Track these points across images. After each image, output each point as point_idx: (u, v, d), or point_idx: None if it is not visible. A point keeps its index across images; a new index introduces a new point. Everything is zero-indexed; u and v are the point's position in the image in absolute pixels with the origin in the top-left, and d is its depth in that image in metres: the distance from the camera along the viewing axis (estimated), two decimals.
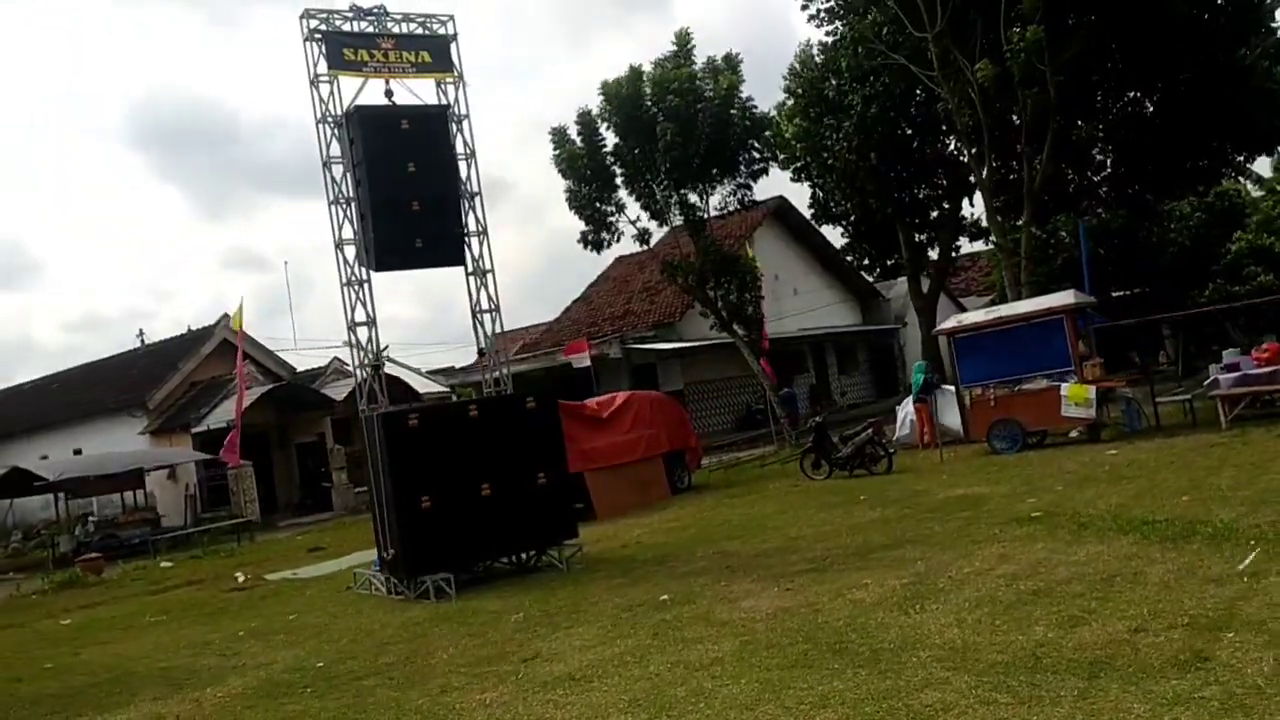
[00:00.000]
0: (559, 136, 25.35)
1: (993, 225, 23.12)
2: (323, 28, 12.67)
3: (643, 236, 25.33)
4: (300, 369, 34.04)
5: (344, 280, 12.59)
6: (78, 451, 32.58)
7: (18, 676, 10.62)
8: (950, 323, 18.66)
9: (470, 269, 13.36)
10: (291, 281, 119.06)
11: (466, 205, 13.36)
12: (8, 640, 13.64)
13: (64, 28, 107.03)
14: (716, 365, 33.33)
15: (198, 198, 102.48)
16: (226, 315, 31.39)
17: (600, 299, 39.01)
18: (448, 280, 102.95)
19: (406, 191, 12.68)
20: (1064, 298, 17.18)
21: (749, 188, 25.50)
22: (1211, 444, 13.97)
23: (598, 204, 25.45)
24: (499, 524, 12.06)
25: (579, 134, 25.38)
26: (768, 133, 25.79)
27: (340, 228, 12.62)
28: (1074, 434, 17.12)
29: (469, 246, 13.33)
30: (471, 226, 13.38)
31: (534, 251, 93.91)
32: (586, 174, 25.21)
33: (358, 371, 12.89)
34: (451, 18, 13.46)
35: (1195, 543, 8.12)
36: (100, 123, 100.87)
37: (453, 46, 13.44)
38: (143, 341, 36.08)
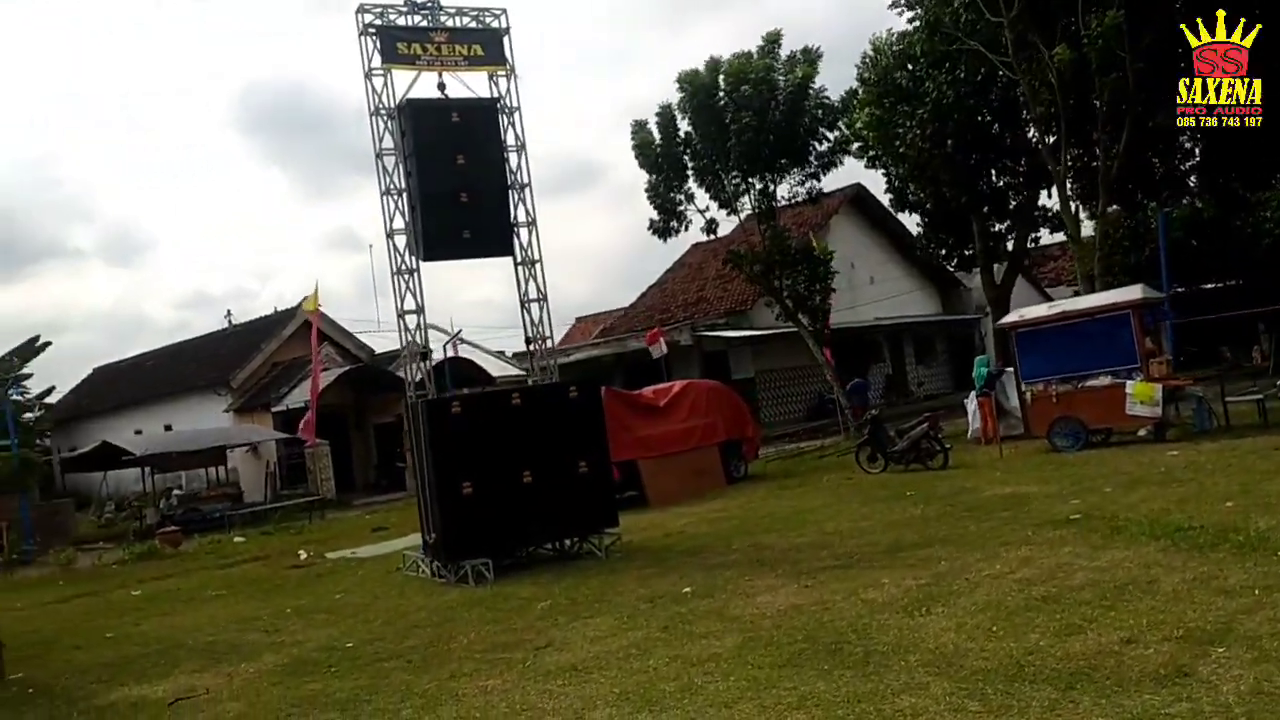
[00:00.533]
0: (638, 127, 25.48)
1: (1065, 215, 22.56)
2: (377, 22, 12.96)
3: (710, 226, 25.32)
4: (380, 351, 34.79)
5: (394, 269, 12.89)
6: (168, 427, 33.92)
7: (78, 644, 11.20)
8: (1012, 316, 18.29)
9: (519, 259, 13.55)
10: (380, 264, 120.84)
11: (516, 196, 13.55)
12: (80, 608, 14.34)
13: (177, 14, 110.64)
14: (788, 354, 33.12)
15: (301, 180, 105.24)
16: (305, 298, 32.24)
17: (675, 285, 39.08)
18: (544, 258, 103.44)
19: (455, 183, 12.93)
20: (1131, 292, 16.72)
21: (817, 178, 25.25)
22: (1276, 446, 13.50)
23: (670, 193, 25.50)
24: (539, 511, 12.27)
25: (657, 125, 25.48)
26: (840, 123, 25.49)
27: (391, 218, 12.92)
28: (1141, 433, 16.63)
29: (518, 237, 13.52)
30: (521, 218, 13.57)
31: (625, 234, 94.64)
32: (660, 164, 25.29)
33: (406, 360, 13.18)
34: (504, 11, 13.65)
35: (1222, 551, 7.90)
36: (210, 106, 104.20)
37: (505, 39, 13.62)
38: (230, 322, 37.31)
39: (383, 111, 12.94)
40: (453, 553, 11.98)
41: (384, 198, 12.96)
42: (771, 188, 25.28)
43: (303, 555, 17.19)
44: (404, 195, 12.94)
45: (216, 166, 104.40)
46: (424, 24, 13.21)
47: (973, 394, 20.42)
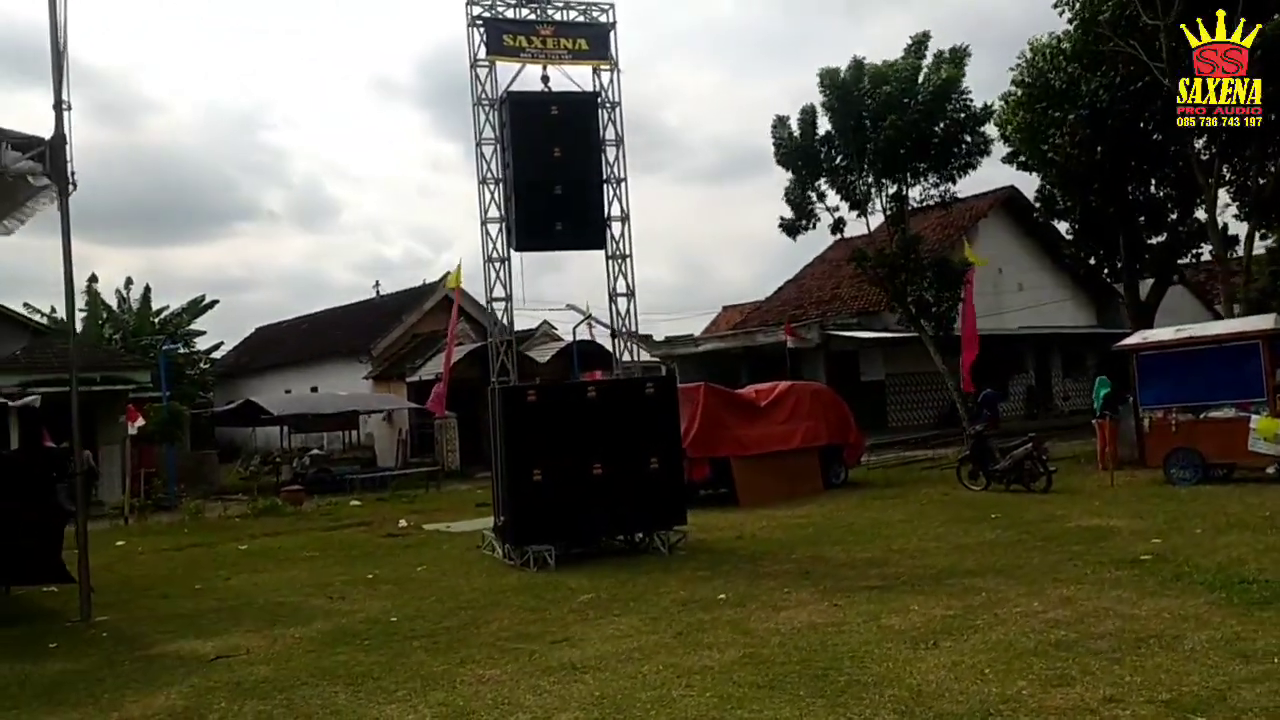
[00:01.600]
0: (778, 123, 25.26)
1: (1212, 233, 21.25)
2: (485, 13, 13.29)
3: (837, 226, 24.92)
4: (518, 329, 35.59)
5: (486, 257, 13.24)
6: (314, 389, 35.68)
7: (166, 593, 12.01)
8: (1134, 339, 17.40)
9: (610, 253, 13.70)
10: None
11: (612, 191, 13.69)
12: (187, 558, 15.32)
13: None
14: (921, 358, 32.31)
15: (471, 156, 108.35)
16: (448, 273, 33.29)
17: (811, 281, 38.61)
18: (706, 244, 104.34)
19: (550, 175, 13.17)
20: (1262, 321, 15.69)
21: (953, 180, 24.50)
22: None
23: (804, 190, 25.23)
24: (607, 504, 12.43)
25: (798, 122, 25.22)
26: (986, 127, 24.62)
27: (487, 207, 13.25)
28: (1270, 470, 15.62)
29: (610, 231, 13.67)
30: (615, 212, 13.70)
31: None
32: (798, 163, 25.02)
33: (491, 345, 13.52)
34: (612, 6, 13.78)
35: (1272, 610, 7.42)
36: (396, 78, 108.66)
37: (611, 35, 13.75)
38: (378, 293, 38.85)
39: (484, 102, 13.28)
40: (518, 537, 12.28)
41: (481, 186, 13.30)
42: (905, 190, 24.67)
43: (402, 524, 17.87)
44: (500, 185, 13.27)
45: (400, 136, 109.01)
46: (532, 17, 13.48)
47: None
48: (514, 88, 13.38)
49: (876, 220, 25.76)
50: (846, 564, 10.95)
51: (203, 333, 45.11)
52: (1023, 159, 27.30)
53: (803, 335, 30.58)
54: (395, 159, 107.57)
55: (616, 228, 13.71)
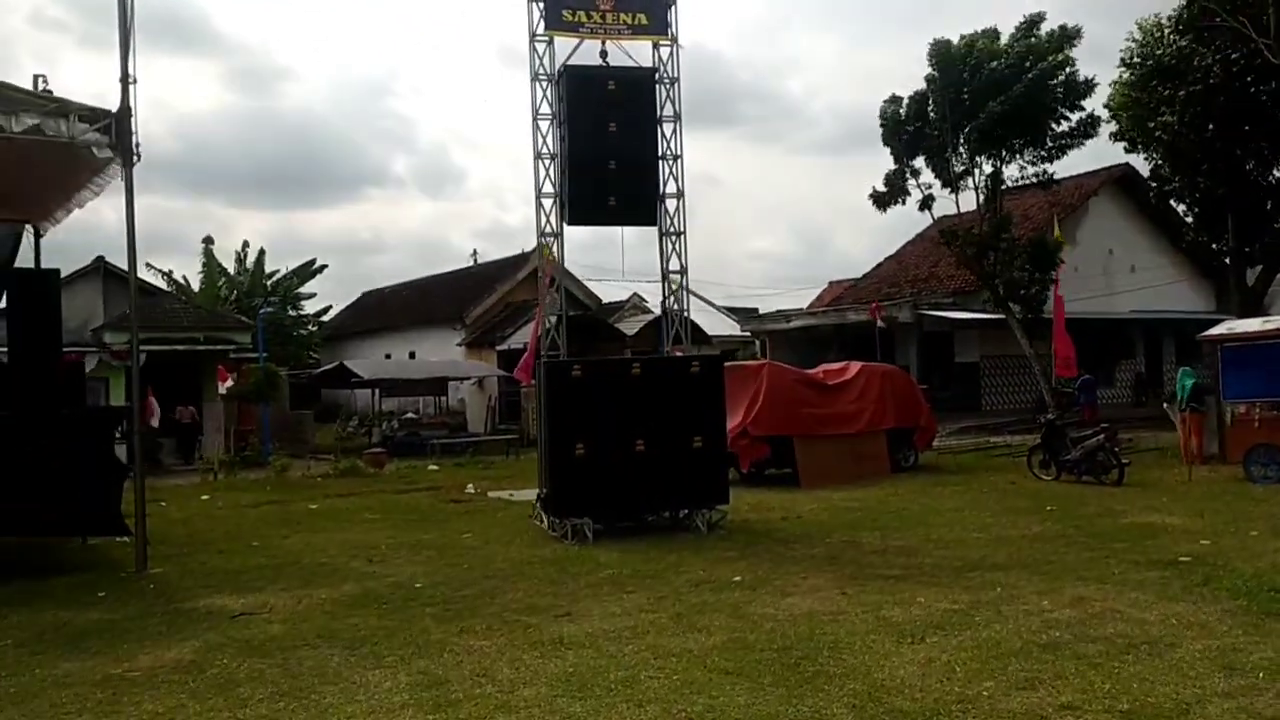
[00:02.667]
0: (891, 100, 24.75)
1: None
2: None
3: (926, 202, 24.35)
4: (606, 301, 35.90)
5: (539, 231, 13.38)
6: (412, 354, 36.65)
7: (223, 549, 12.54)
8: (1219, 329, 16.62)
9: (663, 230, 13.69)
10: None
11: (668, 168, 13.66)
12: (257, 515, 15.96)
13: None
14: (1019, 341, 31.44)
15: None
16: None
17: (910, 258, 37.77)
18: (825, 216, 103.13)
19: (605, 151, 13.20)
20: None
21: (1050, 160, 23.66)
22: None
23: (899, 165, 24.75)
24: (648, 480, 12.48)
25: (909, 102, 24.70)
26: (1090, 101, 23.69)
27: (541, 181, 13.37)
28: None
29: (664, 207, 13.65)
30: (670, 189, 13.68)
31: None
32: (900, 139, 24.51)
33: (542, 318, 13.68)
34: None
35: None
36: (518, 46, 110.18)
37: (670, 10, 13.67)
38: (475, 260, 39.55)
39: (541, 77, 13.37)
40: (558, 509, 12.46)
41: (536, 160, 13.42)
42: (1001, 168, 23.94)
43: (469, 490, 18.28)
44: (556, 159, 13.37)
45: (520, 104, 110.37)
46: None
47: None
48: (570, 61, 13.44)
49: (971, 198, 25.07)
50: (877, 551, 10.82)
51: (312, 295, 46.69)
52: (1132, 136, 26.26)
53: (884, 314, 29.98)
54: (518, 127, 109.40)
55: (671, 204, 13.69)
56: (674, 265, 13.76)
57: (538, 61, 13.36)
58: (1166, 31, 23.63)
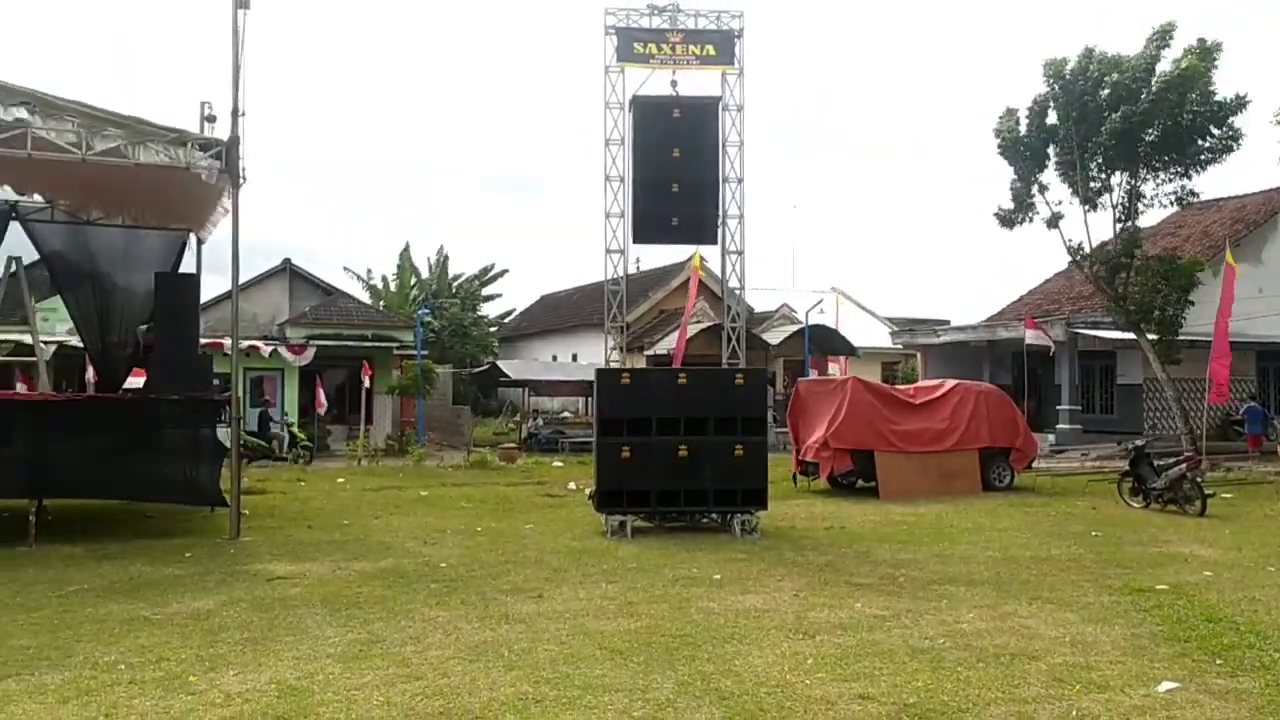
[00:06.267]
0: (1007, 114, 24.48)
1: None
2: (619, 24, 14.42)
3: (1054, 220, 23.83)
4: (759, 310, 36.57)
5: (606, 248, 14.47)
6: (574, 356, 38.47)
7: (311, 525, 14.21)
8: None
9: (724, 248, 14.51)
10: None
11: (732, 192, 14.48)
12: (369, 499, 17.66)
13: None
14: (1187, 364, 30.02)
15: None
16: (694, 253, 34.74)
17: (1079, 275, 36.46)
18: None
19: (669, 174, 14.20)
20: None
21: (1188, 176, 22.73)
22: None
23: (1024, 184, 24.37)
24: (689, 483, 13.31)
25: (1027, 114, 24.34)
26: (1237, 118, 22.58)
27: (610, 203, 14.47)
28: None
29: (725, 227, 14.47)
30: (732, 210, 14.49)
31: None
32: (1023, 154, 24.15)
33: (606, 330, 14.73)
34: (742, 14, 14.53)
35: (1179, 651, 7.28)
36: None
37: (737, 41, 14.48)
38: (638, 268, 40.95)
39: (612, 105, 14.45)
40: (601, 504, 13.47)
41: (606, 183, 14.53)
42: (1137, 185, 23.19)
43: (571, 486, 19.49)
44: (624, 182, 14.43)
45: None
46: (664, 25, 14.46)
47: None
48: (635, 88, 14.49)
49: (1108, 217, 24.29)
50: (882, 562, 11.27)
51: (497, 296, 49.59)
52: None
53: (1041, 332, 29.33)
54: None
55: (732, 225, 14.50)
56: (734, 283, 14.55)
57: (610, 90, 14.47)
58: None
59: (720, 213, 14.43)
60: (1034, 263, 57.39)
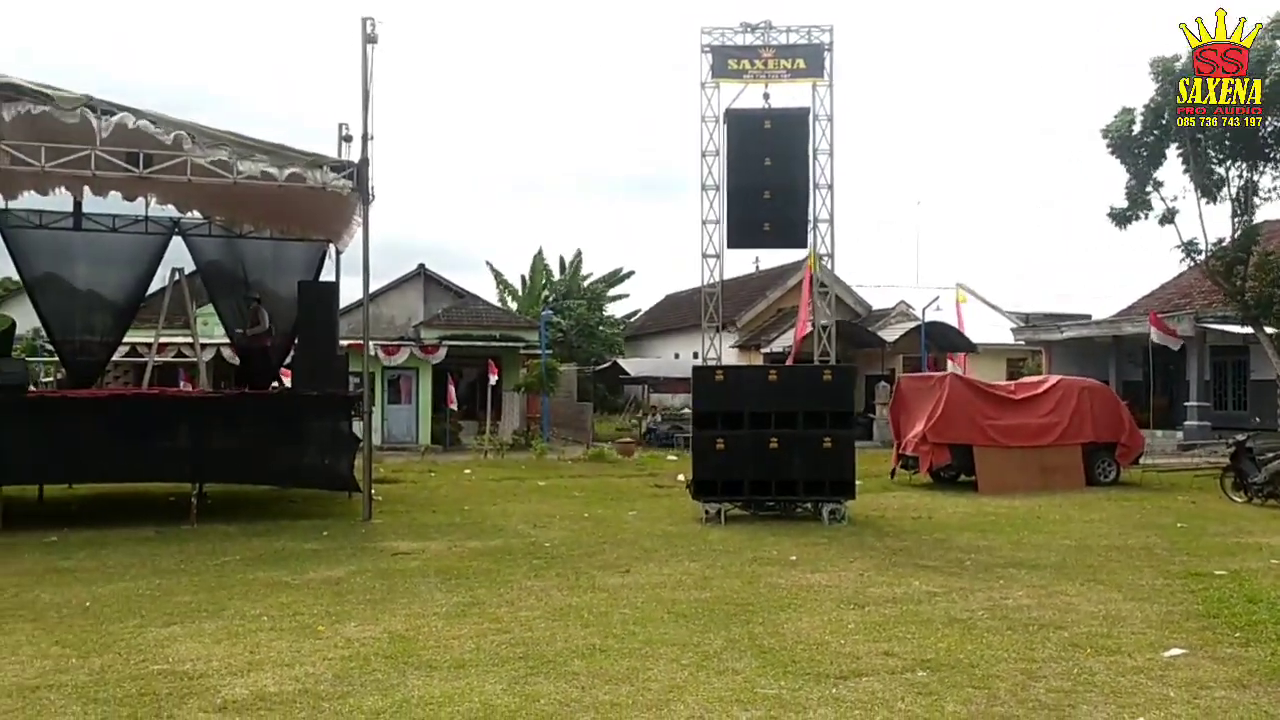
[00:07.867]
0: (1123, 113, 24.28)
1: None
2: (714, 42, 15.32)
3: (1168, 216, 23.53)
4: (877, 307, 36.85)
5: (703, 252, 15.38)
6: (695, 354, 39.39)
7: (435, 509, 15.59)
8: None
9: (811, 252, 15.25)
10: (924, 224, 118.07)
11: (822, 198, 15.21)
12: (491, 488, 19.03)
13: None
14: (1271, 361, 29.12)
15: None
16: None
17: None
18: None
19: (761, 182, 15.00)
20: None
21: None
22: None
23: (1138, 181, 24.13)
24: (779, 474, 14.17)
25: (1143, 112, 24.10)
26: None
27: (707, 211, 15.37)
28: None
29: (816, 232, 15.21)
30: (822, 215, 15.21)
31: None
32: (1137, 152, 23.92)
33: (704, 330, 15.65)
34: (831, 28, 15.19)
35: (1255, 649, 7.77)
36: None
37: (826, 55, 15.19)
38: (757, 267, 41.67)
39: (708, 118, 15.36)
40: (696, 493, 14.43)
41: (703, 191, 15.43)
42: (1255, 177, 22.78)
43: (680, 478, 20.46)
44: (719, 190, 15.32)
45: None
46: (756, 42, 15.29)
47: None
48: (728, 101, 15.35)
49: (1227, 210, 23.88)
50: (955, 548, 11.89)
51: (624, 296, 51.05)
52: None
53: (1169, 327, 28.86)
54: None
55: (822, 229, 15.23)
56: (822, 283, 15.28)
57: (706, 104, 15.38)
58: None
59: (811, 219, 15.13)
60: (1167, 257, 55.40)
